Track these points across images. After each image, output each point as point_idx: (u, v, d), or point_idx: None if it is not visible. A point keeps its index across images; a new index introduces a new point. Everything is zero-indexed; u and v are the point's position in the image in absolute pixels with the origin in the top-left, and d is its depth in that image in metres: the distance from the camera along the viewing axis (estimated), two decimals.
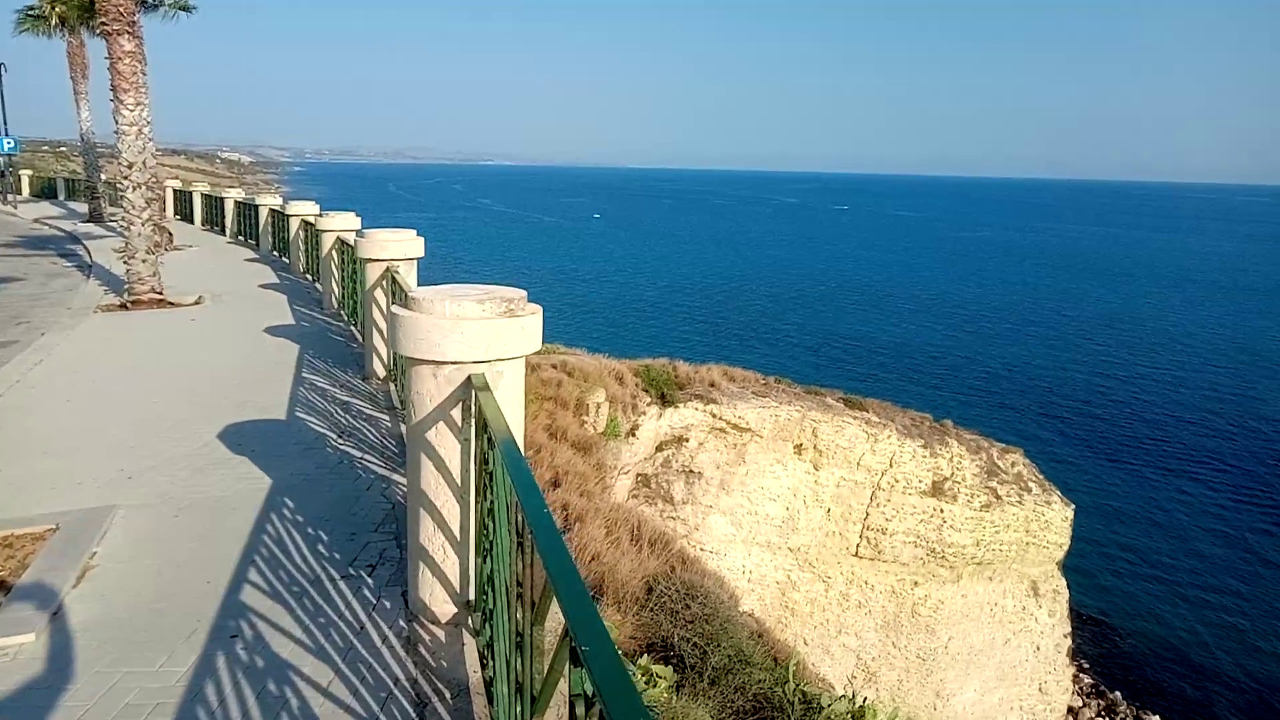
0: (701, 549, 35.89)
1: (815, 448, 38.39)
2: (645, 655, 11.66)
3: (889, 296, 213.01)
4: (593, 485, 19.68)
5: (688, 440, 36.28)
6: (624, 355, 39.26)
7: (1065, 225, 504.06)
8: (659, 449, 36.01)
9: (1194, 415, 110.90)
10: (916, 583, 40.30)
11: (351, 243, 20.38)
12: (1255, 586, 64.70)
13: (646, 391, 34.87)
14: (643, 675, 10.51)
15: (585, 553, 14.54)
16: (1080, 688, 48.76)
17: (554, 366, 29.31)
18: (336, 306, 26.14)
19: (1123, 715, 47.31)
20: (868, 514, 39.34)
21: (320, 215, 28.54)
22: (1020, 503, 40.76)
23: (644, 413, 34.16)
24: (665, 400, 35.51)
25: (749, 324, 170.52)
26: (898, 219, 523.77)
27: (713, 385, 38.37)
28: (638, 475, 35.63)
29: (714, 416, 36.64)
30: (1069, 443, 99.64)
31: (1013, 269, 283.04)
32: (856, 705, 11.49)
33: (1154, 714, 47.51)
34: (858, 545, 39.53)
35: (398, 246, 17.54)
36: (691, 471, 36.56)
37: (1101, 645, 55.47)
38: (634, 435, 33.56)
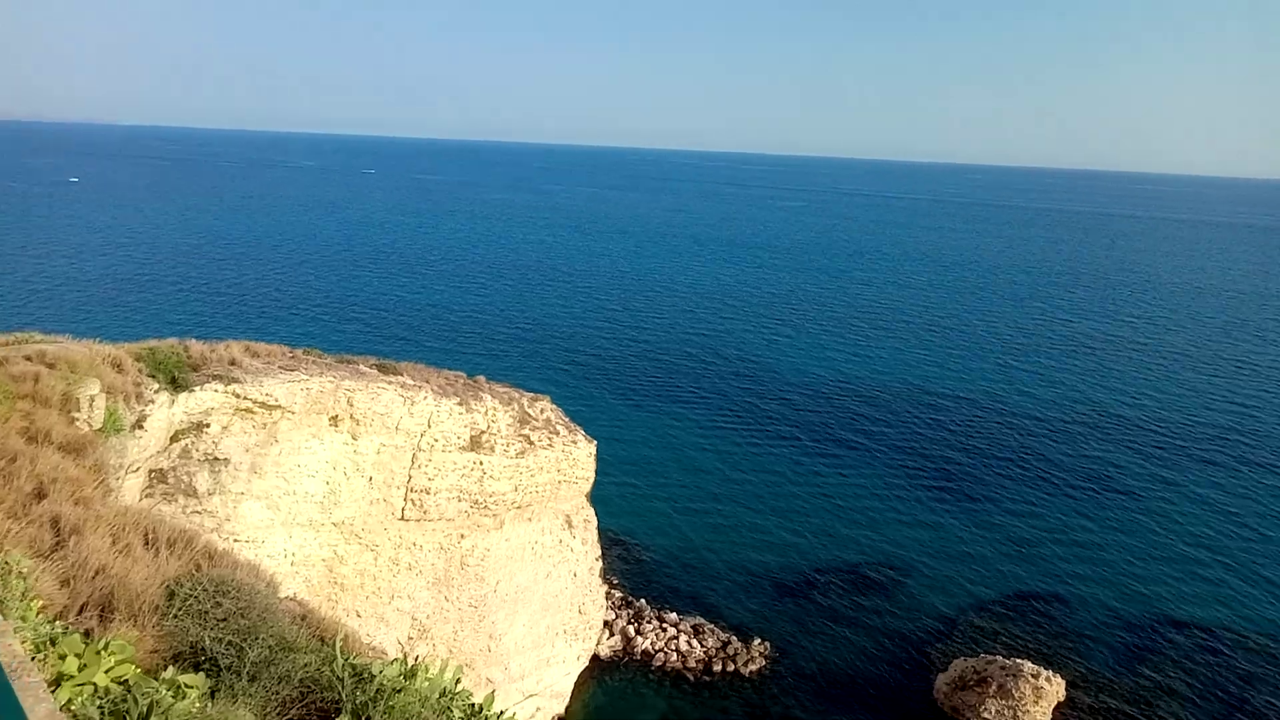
0: (235, 540, 33.32)
1: (352, 417, 37.54)
2: (170, 667, 10.64)
3: (417, 258, 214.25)
4: (91, 490, 17.17)
5: (209, 426, 33.17)
6: (122, 338, 34.45)
7: (578, 187, 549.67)
8: (174, 439, 32.42)
9: (679, 350, 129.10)
10: (463, 535, 41.75)
11: None
12: (731, 493, 78.02)
13: (153, 377, 31.03)
14: (168, 689, 9.60)
15: (86, 569, 12.73)
16: (613, 602, 54.90)
17: (29, 358, 24.71)
18: None
19: (648, 618, 54.32)
20: (410, 476, 39.64)
21: None
22: (551, 445, 44.13)
23: (152, 401, 30.42)
24: (177, 384, 31.96)
25: (271, 294, 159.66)
26: (423, 182, 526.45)
27: (233, 363, 35.40)
28: (151, 471, 31.77)
29: (238, 397, 33.91)
30: (586, 383, 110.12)
31: (529, 228, 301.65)
32: (409, 666, 11.70)
33: (672, 611, 55.29)
34: (403, 509, 39.73)
35: None
36: (216, 459, 33.56)
37: (627, 561, 62.91)
38: (141, 428, 29.74)
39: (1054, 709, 46.03)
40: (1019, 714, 45.04)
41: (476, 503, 41.82)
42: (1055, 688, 46.00)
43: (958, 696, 46.79)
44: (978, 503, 77.70)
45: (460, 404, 41.69)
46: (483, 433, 42.30)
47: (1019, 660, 47.40)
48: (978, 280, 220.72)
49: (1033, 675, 45.92)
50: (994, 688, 45.70)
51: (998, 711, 45.26)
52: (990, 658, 47.87)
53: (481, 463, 41.53)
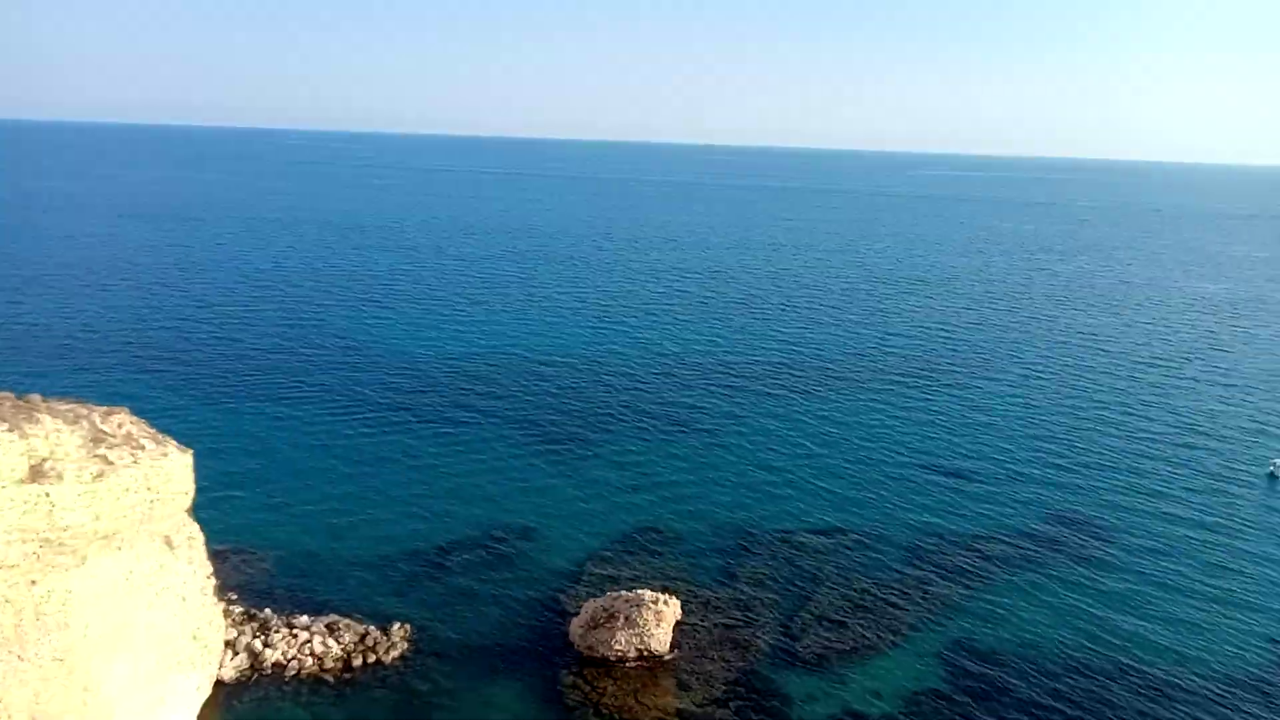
0: None
1: None
2: None
3: None
4: None
5: None
6: None
7: (129, 172, 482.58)
8: None
9: (271, 344, 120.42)
10: (34, 581, 35.70)
11: None
12: (346, 487, 75.31)
13: None
14: None
15: None
16: (233, 619, 50.39)
17: None
18: None
19: (275, 628, 50.73)
20: None
21: None
22: (136, 462, 39.12)
23: None
24: None
25: None
26: None
27: None
28: None
29: None
30: (168, 393, 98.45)
31: (86, 219, 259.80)
32: None
33: (302, 615, 52.21)
34: None
35: None
36: None
37: (245, 572, 58.00)
38: None
39: (674, 627, 51.36)
40: (645, 638, 49.58)
41: (47, 541, 35.95)
42: (673, 609, 51.31)
43: (591, 636, 50.21)
44: (585, 459, 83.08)
45: (10, 430, 35.40)
46: (45, 459, 36.37)
47: (640, 591, 52.03)
48: (566, 249, 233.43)
49: (653, 602, 50.72)
50: (621, 620, 49.75)
51: (627, 641, 49.42)
52: (616, 594, 51.97)
53: (48, 494, 35.70)
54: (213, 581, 44.64)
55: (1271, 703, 49.03)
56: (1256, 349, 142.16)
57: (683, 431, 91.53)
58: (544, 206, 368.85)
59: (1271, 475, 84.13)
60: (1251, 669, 52.23)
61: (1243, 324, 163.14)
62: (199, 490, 43.27)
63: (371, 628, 51.52)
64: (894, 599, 58.78)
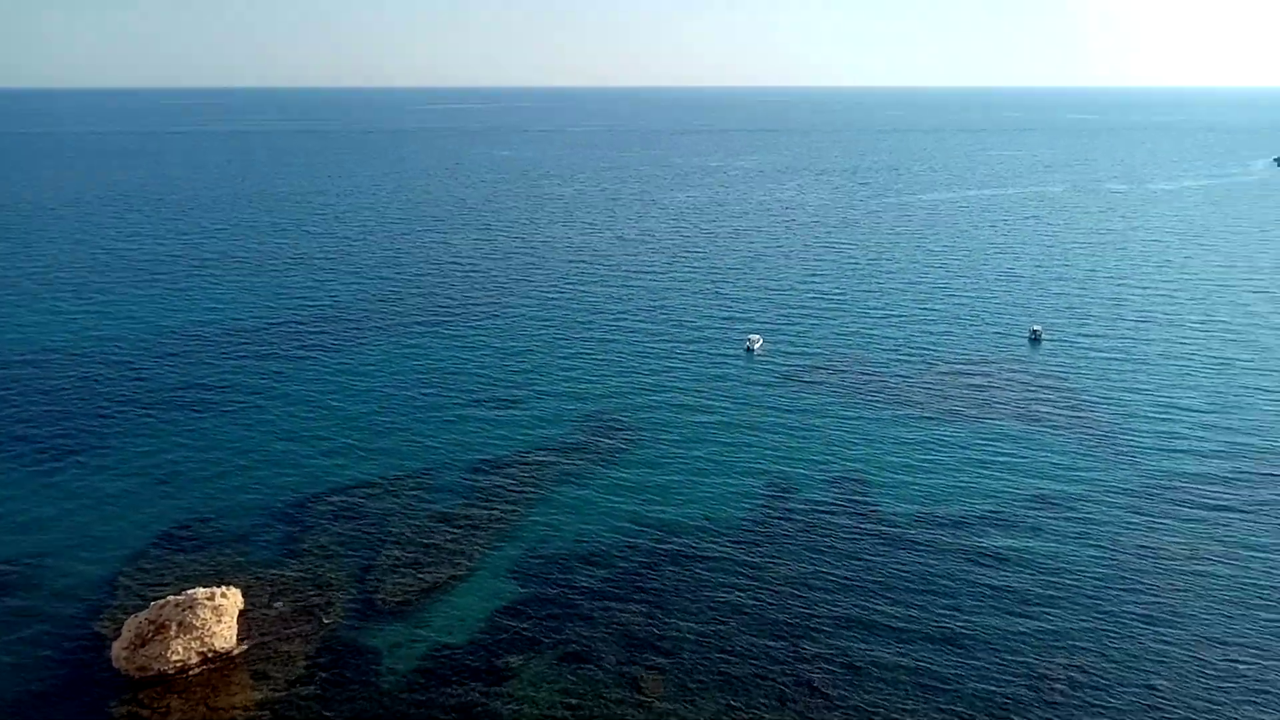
0: None
1: None
2: None
3: None
4: None
5: None
6: None
7: None
8: None
9: None
10: None
11: None
12: None
13: None
14: None
15: None
16: None
17: None
18: None
19: None
20: None
21: None
22: None
23: None
24: None
25: None
26: None
27: None
28: None
29: None
30: None
31: None
32: None
33: None
34: None
35: None
36: None
37: None
38: None
39: (239, 618, 47.50)
40: (206, 639, 45.19)
41: None
42: (233, 600, 47.35)
43: (140, 655, 44.38)
44: (86, 468, 71.84)
45: None
46: None
47: (190, 591, 47.03)
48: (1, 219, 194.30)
49: (208, 599, 46.29)
50: (174, 628, 44.71)
51: (185, 647, 44.63)
52: (162, 601, 46.30)
53: None
54: None
55: (772, 543, 60.02)
56: (720, 247, 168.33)
57: (200, 414, 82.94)
58: None
59: (749, 350, 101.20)
60: (757, 524, 63.08)
61: (706, 226, 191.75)
62: None
63: None
64: (460, 533, 60.55)
